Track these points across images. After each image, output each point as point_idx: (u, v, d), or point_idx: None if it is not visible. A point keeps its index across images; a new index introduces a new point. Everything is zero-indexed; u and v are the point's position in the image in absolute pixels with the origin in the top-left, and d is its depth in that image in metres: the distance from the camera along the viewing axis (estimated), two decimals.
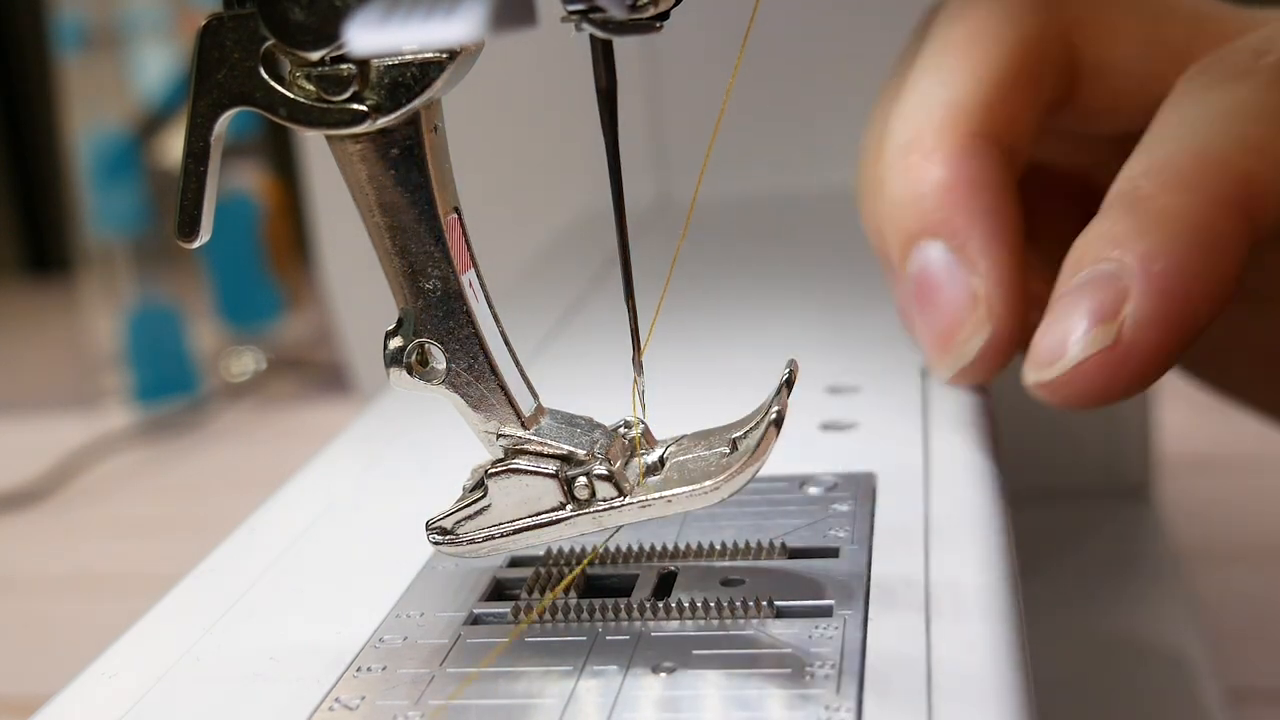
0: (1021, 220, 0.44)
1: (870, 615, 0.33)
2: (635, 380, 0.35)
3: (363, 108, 0.31)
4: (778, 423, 0.32)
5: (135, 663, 0.34)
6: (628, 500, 0.33)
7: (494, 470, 0.34)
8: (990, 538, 0.36)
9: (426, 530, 0.35)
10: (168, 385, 1.35)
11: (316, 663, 0.33)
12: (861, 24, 0.81)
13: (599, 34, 0.32)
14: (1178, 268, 0.38)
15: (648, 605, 0.34)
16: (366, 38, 0.27)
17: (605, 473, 0.33)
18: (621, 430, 0.35)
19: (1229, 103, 0.41)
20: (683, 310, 0.58)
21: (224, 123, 0.32)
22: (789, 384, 0.33)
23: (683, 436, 0.35)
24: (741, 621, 0.33)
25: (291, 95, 0.31)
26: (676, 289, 0.39)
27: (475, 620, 0.35)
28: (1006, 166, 0.44)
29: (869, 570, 0.35)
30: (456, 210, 0.33)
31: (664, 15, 0.32)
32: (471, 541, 0.34)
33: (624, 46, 0.33)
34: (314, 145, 0.87)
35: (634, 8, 0.32)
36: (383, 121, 0.31)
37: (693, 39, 0.80)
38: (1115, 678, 0.65)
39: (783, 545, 0.37)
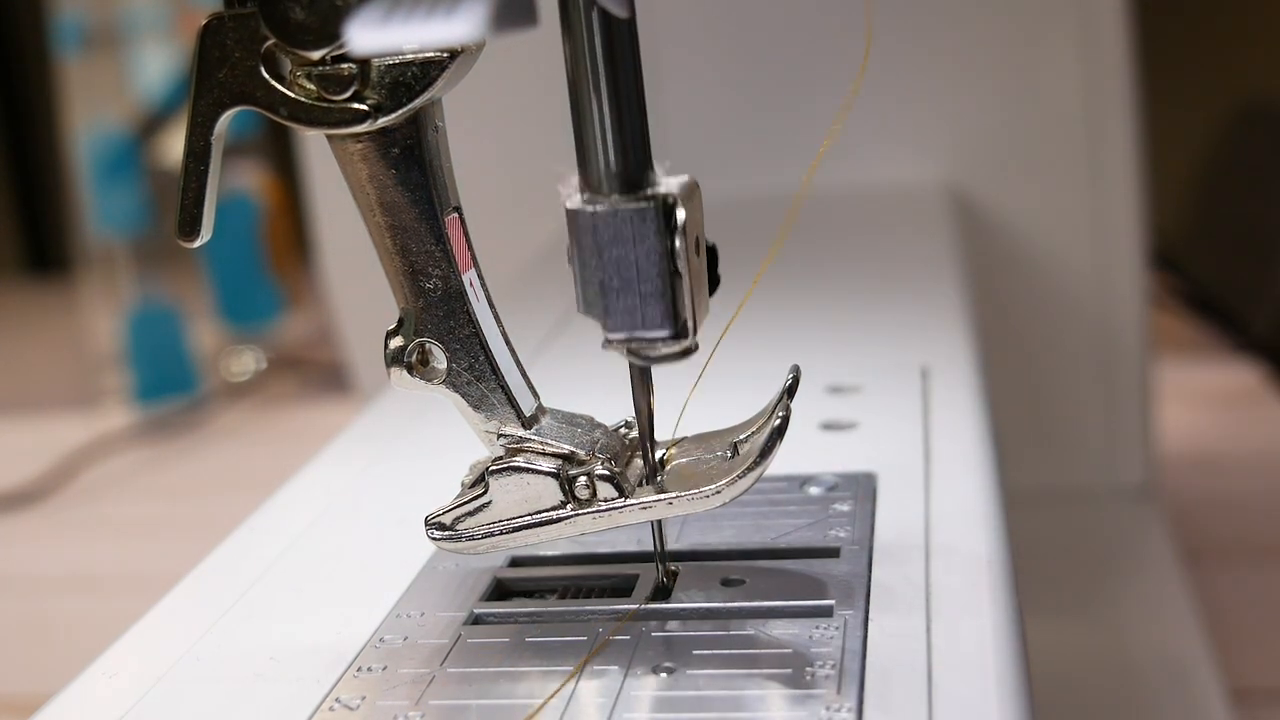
0: None
1: (870, 615, 0.33)
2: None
3: (363, 107, 0.31)
4: (781, 430, 0.32)
5: (135, 663, 0.34)
6: (629, 501, 0.33)
7: (495, 468, 0.34)
8: (990, 538, 0.36)
9: (426, 526, 0.35)
10: (168, 385, 1.35)
11: (316, 663, 0.33)
12: (860, 26, 0.81)
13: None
14: None
15: (648, 605, 0.34)
16: (367, 37, 0.27)
17: (606, 473, 0.33)
18: (622, 430, 0.35)
19: None
20: None
21: (224, 122, 0.32)
22: (791, 390, 0.33)
23: (684, 438, 0.35)
24: (742, 621, 0.33)
25: (292, 95, 0.31)
26: None
27: (475, 620, 0.35)
28: None
29: (869, 570, 0.35)
30: (457, 210, 0.33)
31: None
32: (471, 538, 0.34)
33: None
34: (314, 145, 0.87)
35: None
36: (383, 121, 0.31)
37: (693, 41, 0.80)
38: (1115, 678, 0.65)
39: (783, 545, 0.37)
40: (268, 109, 0.32)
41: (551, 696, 0.30)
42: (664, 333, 0.31)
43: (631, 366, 0.33)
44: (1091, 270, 0.82)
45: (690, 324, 0.31)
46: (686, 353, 0.32)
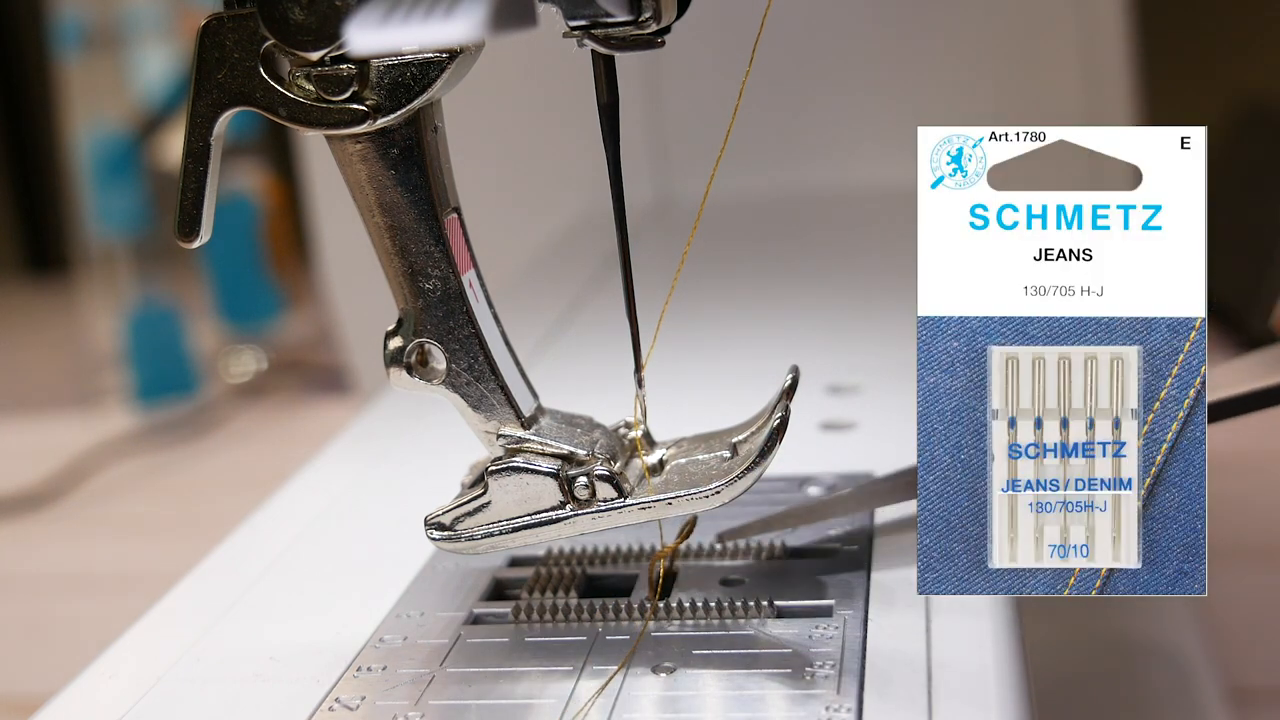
0: None
1: (870, 615, 0.33)
2: (637, 395, 0.35)
3: (363, 108, 0.31)
4: (781, 430, 0.32)
5: (135, 663, 0.34)
6: (628, 501, 0.33)
7: (495, 468, 0.34)
8: None
9: (425, 526, 0.35)
10: (168, 385, 1.35)
11: (316, 663, 0.33)
12: (861, 26, 0.81)
13: (601, 50, 0.32)
14: None
15: (648, 605, 0.34)
16: (366, 38, 0.27)
17: (606, 473, 0.33)
18: (621, 430, 0.35)
19: None
20: (683, 311, 0.58)
21: (224, 123, 0.32)
22: (791, 390, 0.33)
23: (683, 439, 0.35)
24: (741, 621, 0.33)
25: (291, 95, 0.31)
26: (677, 290, 0.39)
27: (475, 620, 0.35)
28: None
29: (868, 570, 0.35)
30: (456, 210, 0.33)
31: (665, 30, 0.32)
32: (471, 538, 0.34)
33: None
34: (314, 145, 0.87)
35: (636, 24, 0.32)
36: (383, 121, 0.31)
37: (692, 41, 0.80)
38: (1115, 677, 0.65)
39: (783, 545, 0.37)
40: (267, 109, 0.32)
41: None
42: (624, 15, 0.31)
43: (594, 58, 0.33)
44: None
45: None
46: (650, 40, 0.31)
